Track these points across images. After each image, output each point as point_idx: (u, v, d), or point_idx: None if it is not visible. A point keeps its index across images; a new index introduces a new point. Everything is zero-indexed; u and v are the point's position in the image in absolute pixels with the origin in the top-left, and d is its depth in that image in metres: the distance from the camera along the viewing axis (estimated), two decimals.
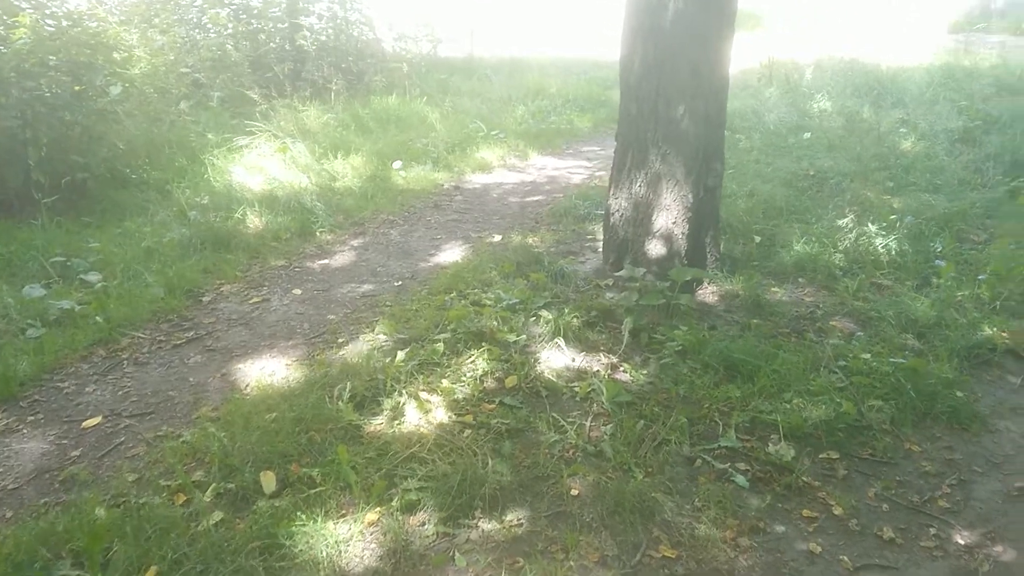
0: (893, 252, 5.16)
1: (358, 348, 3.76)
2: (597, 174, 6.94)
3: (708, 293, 4.49)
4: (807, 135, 7.90)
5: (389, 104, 8.35)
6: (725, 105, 4.40)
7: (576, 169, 7.10)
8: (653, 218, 4.32)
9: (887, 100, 9.82)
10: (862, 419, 3.36)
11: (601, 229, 5.36)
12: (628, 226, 4.48)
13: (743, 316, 4.27)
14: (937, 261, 5.03)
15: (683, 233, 4.33)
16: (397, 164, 6.60)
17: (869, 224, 5.33)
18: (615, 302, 4.01)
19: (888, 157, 7.23)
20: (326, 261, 4.94)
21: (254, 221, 5.27)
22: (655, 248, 4.33)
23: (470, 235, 5.41)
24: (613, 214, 4.55)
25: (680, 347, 3.69)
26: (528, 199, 6.22)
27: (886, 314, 4.30)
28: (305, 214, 5.44)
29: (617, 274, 4.01)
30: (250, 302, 4.36)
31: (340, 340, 3.89)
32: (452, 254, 5.04)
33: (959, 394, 3.59)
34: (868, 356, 3.81)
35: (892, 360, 3.72)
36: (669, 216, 4.29)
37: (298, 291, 4.50)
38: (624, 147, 4.42)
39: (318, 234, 5.31)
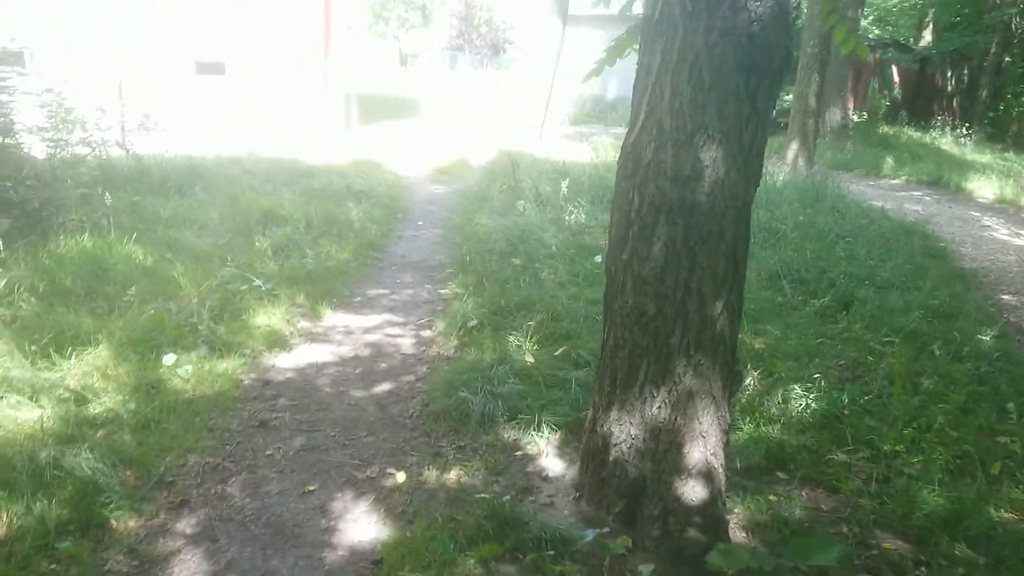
0: (819, 414, 4.68)
1: None
2: (423, 335, 5.54)
3: (733, 527, 3.47)
4: (598, 259, 7.35)
5: (87, 250, 5.97)
6: None
7: (391, 329, 5.61)
8: (684, 449, 3.19)
9: None
10: None
11: (550, 444, 4.05)
12: (643, 461, 3.27)
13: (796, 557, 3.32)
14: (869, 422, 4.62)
15: (721, 465, 3.27)
16: (169, 358, 4.51)
17: (795, 386, 4.78)
18: None
19: None
20: None
21: None
22: (691, 491, 3.19)
23: (354, 476, 3.70)
24: (617, 445, 3.31)
25: None
26: (377, 391, 4.62)
27: (912, 518, 3.70)
28: (78, 487, 3.25)
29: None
30: None
31: None
32: (362, 526, 3.32)
33: None
34: None
35: None
36: (706, 446, 3.20)
37: None
38: (633, 356, 3.23)
39: (115, 524, 3.18)
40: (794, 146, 12.42)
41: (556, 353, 5.03)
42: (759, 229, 8.56)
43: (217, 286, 5.66)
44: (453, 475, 3.70)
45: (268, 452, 3.87)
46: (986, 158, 19.79)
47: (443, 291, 6.47)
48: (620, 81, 23.15)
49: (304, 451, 3.91)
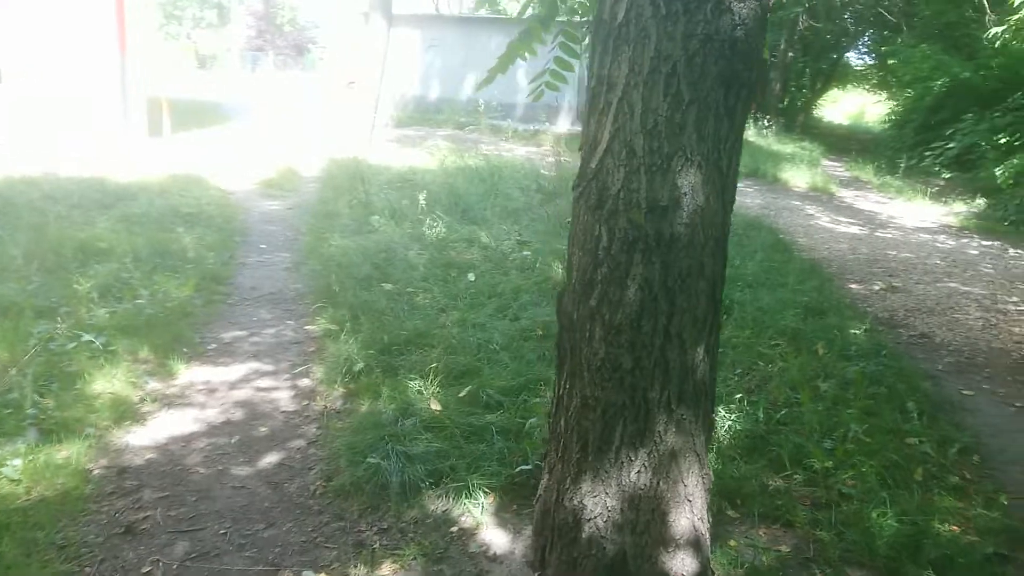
0: (743, 436, 4.47)
1: None
2: (302, 385, 4.80)
3: None
4: (471, 276, 6.85)
5: None
6: None
7: (262, 381, 4.82)
8: (670, 518, 2.79)
9: (472, 215, 9.33)
10: None
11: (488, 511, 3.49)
12: (622, 535, 2.82)
13: None
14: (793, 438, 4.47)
15: (708, 529, 2.90)
16: None
17: (721, 410, 4.52)
18: None
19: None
20: None
21: None
22: (680, 563, 2.80)
23: None
24: (591, 520, 2.84)
25: None
26: (264, 464, 3.87)
27: (876, 547, 3.52)
28: None
29: None
30: None
31: None
32: None
33: None
34: None
35: None
36: (693, 510, 2.82)
37: None
38: (607, 417, 2.77)
39: None
40: None
41: (462, 395, 4.50)
42: None
43: (37, 347, 4.62)
44: (386, 570, 3.08)
45: (144, 569, 3.06)
46: (789, 148, 21.22)
47: (311, 327, 5.72)
48: (442, 81, 22.72)
49: (191, 560, 3.13)
